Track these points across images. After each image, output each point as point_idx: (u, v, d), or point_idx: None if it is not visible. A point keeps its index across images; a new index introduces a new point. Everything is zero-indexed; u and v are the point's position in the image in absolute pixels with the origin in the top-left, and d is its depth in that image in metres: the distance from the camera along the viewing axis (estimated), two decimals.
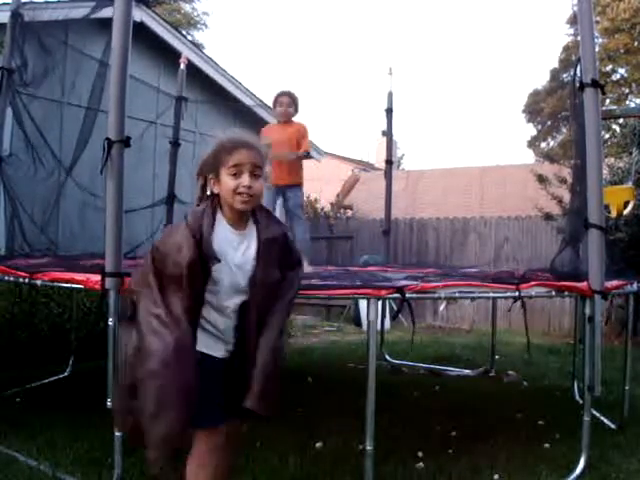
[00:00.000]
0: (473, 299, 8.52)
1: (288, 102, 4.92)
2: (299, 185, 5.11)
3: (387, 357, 6.65)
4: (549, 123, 23.53)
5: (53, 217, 5.57)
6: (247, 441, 3.78)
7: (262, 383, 2.27)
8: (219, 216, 2.32)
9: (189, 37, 14.70)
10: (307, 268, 4.79)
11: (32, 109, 5.36)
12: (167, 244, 2.26)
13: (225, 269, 2.27)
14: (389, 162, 7.13)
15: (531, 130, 27.22)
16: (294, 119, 5.05)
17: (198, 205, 2.36)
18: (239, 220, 2.35)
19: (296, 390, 4.95)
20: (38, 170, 5.34)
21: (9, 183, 5.19)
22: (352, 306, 10.79)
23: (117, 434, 3.05)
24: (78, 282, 3.38)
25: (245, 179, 2.27)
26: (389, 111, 7.00)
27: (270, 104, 5.35)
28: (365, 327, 3.58)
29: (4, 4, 5.96)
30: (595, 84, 3.52)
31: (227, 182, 2.28)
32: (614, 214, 5.02)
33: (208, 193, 2.37)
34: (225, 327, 2.33)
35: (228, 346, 2.35)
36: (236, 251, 2.31)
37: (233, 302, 2.32)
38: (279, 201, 5.03)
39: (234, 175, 2.27)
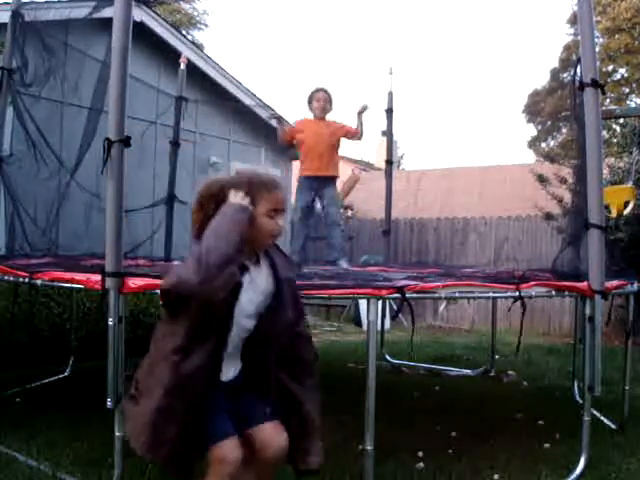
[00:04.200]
0: (473, 299, 8.53)
1: (325, 98, 5.09)
2: (336, 177, 5.21)
3: (387, 357, 6.65)
4: (549, 123, 23.50)
5: (54, 217, 5.57)
6: None
7: (316, 442, 2.39)
8: None
9: (189, 37, 14.68)
10: (345, 265, 5.24)
11: (33, 109, 5.36)
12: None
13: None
14: (389, 162, 7.12)
15: (531, 130, 27.23)
16: (328, 117, 5.18)
17: (200, 225, 2.25)
18: (252, 254, 2.32)
19: None
20: (38, 170, 5.34)
21: (9, 183, 5.19)
22: (352, 306, 10.79)
23: (117, 434, 3.05)
24: (78, 282, 3.38)
25: (281, 221, 2.29)
26: (389, 111, 6.99)
27: (271, 105, 5.47)
28: (365, 327, 3.58)
29: (4, 4, 5.96)
30: (595, 84, 3.52)
31: (265, 223, 2.25)
32: (614, 214, 5.02)
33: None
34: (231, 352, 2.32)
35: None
36: (249, 283, 2.28)
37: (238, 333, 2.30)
38: (308, 197, 5.09)
39: (271, 217, 2.26)
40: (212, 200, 2.25)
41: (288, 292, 2.36)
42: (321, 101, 5.06)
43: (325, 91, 5.13)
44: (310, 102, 5.18)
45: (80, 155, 5.29)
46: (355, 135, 5.26)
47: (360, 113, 5.26)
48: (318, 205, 5.47)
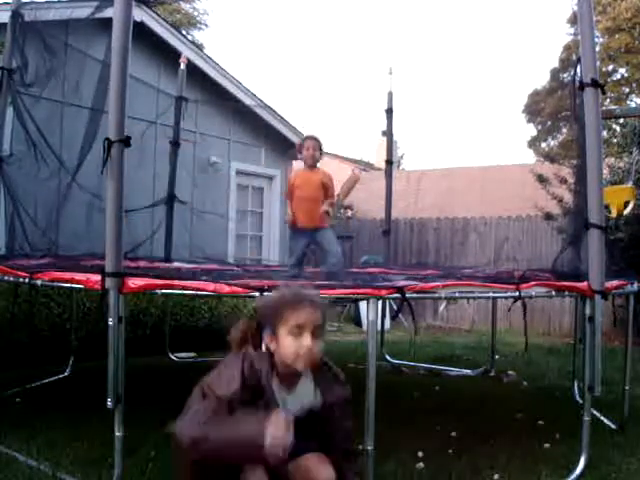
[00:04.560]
0: (473, 299, 8.53)
1: (314, 146, 4.97)
2: (328, 228, 5.07)
3: (387, 357, 6.65)
4: (549, 123, 23.50)
5: (54, 217, 5.57)
6: None
7: None
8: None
9: (189, 37, 14.68)
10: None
11: (33, 109, 5.36)
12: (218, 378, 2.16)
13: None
14: (389, 162, 7.13)
15: (531, 130, 27.23)
16: (319, 165, 5.07)
17: (240, 346, 2.25)
18: (291, 379, 2.23)
19: None
20: (38, 170, 5.34)
21: (9, 183, 5.20)
22: (352, 306, 10.80)
23: (117, 434, 3.05)
24: (78, 282, 3.38)
25: (307, 339, 2.14)
26: (389, 111, 7.00)
27: (276, 108, 5.39)
28: (365, 327, 3.58)
29: (4, 4, 5.96)
30: (595, 84, 3.52)
31: (287, 343, 2.14)
32: (614, 214, 5.02)
33: (264, 349, 2.22)
34: None
35: None
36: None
37: None
38: (302, 243, 4.97)
39: (295, 335, 2.14)
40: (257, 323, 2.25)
41: (334, 415, 2.27)
42: (310, 149, 4.91)
43: (313, 138, 5.02)
44: (300, 152, 5.06)
45: (82, 156, 5.28)
46: (330, 199, 4.95)
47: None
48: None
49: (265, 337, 2.22)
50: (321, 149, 5.04)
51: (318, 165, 5.02)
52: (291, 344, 2.14)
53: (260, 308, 2.27)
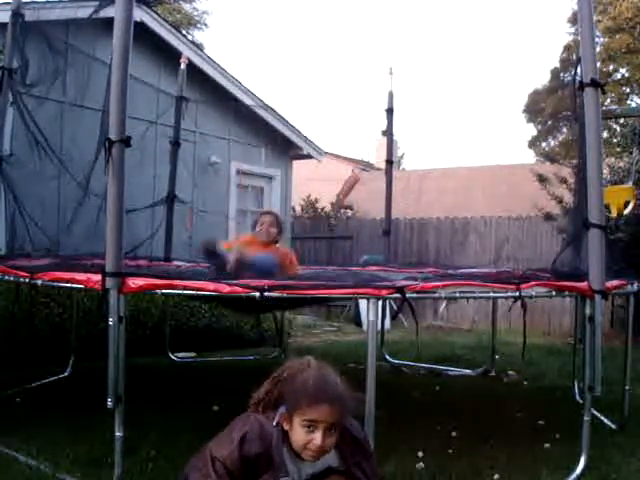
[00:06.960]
0: (473, 299, 8.53)
1: (270, 222, 4.62)
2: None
3: (387, 357, 6.65)
4: (550, 123, 23.48)
5: (53, 216, 5.57)
6: None
7: None
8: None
9: (189, 37, 14.67)
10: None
11: (34, 109, 5.35)
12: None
13: None
14: (389, 162, 7.13)
15: (532, 130, 27.24)
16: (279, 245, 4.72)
17: (257, 406, 2.25)
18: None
19: None
20: (39, 170, 5.34)
21: (9, 183, 5.20)
22: (352, 306, 10.80)
23: (117, 434, 3.05)
24: (78, 282, 3.39)
25: (318, 437, 2.10)
26: (389, 111, 7.00)
27: (276, 108, 5.21)
28: (365, 327, 3.58)
29: (4, 4, 5.96)
30: (595, 84, 3.52)
31: (298, 433, 2.12)
32: (614, 214, 5.02)
33: (274, 423, 2.17)
34: None
35: None
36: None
37: None
38: None
39: (307, 428, 2.11)
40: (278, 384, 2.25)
41: (356, 476, 2.24)
42: (265, 225, 4.57)
43: (270, 213, 4.69)
44: (254, 227, 4.70)
45: (95, 157, 5.25)
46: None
47: None
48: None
49: (279, 413, 2.18)
50: (280, 226, 4.65)
51: (278, 245, 4.64)
52: (302, 436, 2.11)
53: (283, 381, 2.21)
